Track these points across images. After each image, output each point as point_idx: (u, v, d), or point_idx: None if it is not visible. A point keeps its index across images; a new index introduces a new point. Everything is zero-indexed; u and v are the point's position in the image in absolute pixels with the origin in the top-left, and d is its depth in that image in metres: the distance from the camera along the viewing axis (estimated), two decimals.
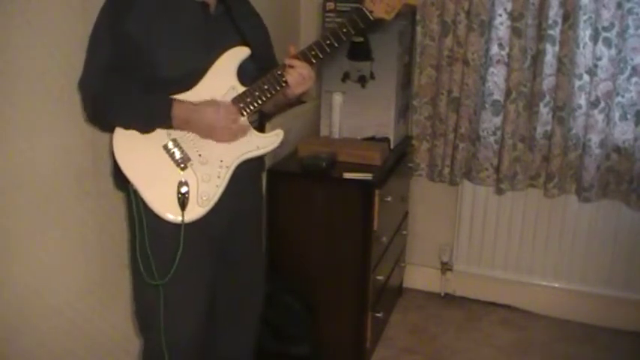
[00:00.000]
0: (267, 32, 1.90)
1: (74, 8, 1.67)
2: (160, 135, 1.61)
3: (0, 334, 1.60)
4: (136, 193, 1.60)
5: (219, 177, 1.64)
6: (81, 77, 1.62)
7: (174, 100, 1.58)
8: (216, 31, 1.67)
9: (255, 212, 1.95)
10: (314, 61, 1.65)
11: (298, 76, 1.64)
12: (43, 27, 1.59)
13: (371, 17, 1.65)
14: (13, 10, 1.50)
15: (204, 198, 1.62)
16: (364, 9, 1.65)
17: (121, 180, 1.63)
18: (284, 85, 1.65)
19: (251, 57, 1.67)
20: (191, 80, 1.62)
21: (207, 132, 1.61)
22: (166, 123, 1.58)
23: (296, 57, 1.65)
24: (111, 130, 1.62)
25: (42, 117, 1.62)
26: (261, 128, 1.84)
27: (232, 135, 1.64)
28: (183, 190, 1.59)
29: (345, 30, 1.64)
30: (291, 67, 1.64)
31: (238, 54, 1.65)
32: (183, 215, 1.59)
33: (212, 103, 1.61)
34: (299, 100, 1.77)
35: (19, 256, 1.62)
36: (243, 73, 1.66)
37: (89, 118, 1.69)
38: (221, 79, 1.64)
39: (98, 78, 1.58)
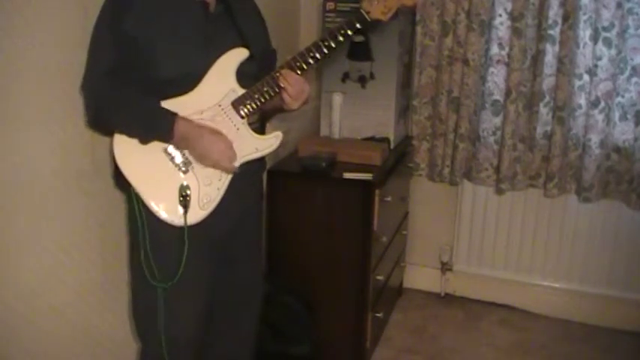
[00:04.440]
0: (266, 29, 1.89)
1: (74, 8, 1.67)
2: None
3: (0, 334, 1.60)
4: (137, 196, 1.60)
5: (220, 180, 1.64)
6: (83, 81, 1.62)
7: (178, 116, 1.57)
8: (215, 30, 1.66)
9: (255, 213, 1.95)
10: (312, 62, 1.65)
11: (293, 94, 1.65)
12: (43, 27, 1.59)
13: (368, 18, 1.65)
14: (13, 10, 1.50)
15: (206, 201, 1.62)
16: (361, 10, 1.65)
17: (122, 182, 1.63)
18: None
19: (250, 57, 1.67)
20: (191, 81, 1.61)
21: (203, 154, 1.60)
22: (166, 138, 1.58)
23: (292, 62, 1.64)
24: (112, 133, 1.62)
25: (41, 117, 1.62)
26: (261, 128, 1.84)
27: (228, 160, 1.63)
28: (185, 193, 1.59)
29: (342, 31, 1.64)
30: (284, 84, 1.63)
31: (237, 56, 1.65)
32: (185, 218, 1.59)
33: (214, 132, 1.61)
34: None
35: (19, 256, 1.62)
36: (243, 73, 1.66)
37: (90, 123, 1.68)
38: (220, 82, 1.63)
39: (100, 81, 1.57)
